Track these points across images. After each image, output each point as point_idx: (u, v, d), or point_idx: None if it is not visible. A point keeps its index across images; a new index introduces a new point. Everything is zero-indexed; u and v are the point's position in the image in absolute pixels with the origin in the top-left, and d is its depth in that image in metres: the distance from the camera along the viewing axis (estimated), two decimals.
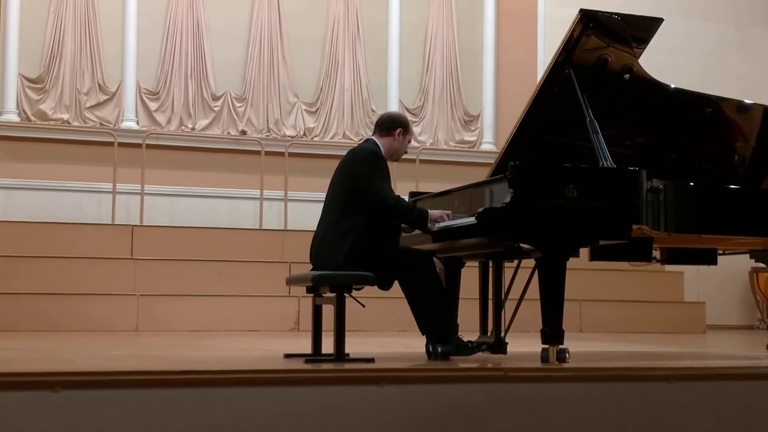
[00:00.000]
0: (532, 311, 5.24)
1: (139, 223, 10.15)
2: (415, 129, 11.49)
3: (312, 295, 5.33)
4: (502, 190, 4.97)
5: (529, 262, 5.31)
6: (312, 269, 5.23)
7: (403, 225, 5.34)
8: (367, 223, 5.08)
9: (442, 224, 5.20)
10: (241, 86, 11.24)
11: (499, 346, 5.58)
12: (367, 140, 5.40)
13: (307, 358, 5.05)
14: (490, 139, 11.87)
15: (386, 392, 4.04)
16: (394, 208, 5.08)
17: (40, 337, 7.46)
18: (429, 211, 5.21)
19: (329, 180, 5.35)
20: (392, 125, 5.33)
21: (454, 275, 5.83)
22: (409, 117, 11.24)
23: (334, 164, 5.43)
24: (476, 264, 5.95)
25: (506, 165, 4.96)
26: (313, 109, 11.45)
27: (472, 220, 4.94)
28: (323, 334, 5.27)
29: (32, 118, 10.59)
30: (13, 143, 10.43)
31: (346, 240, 5.06)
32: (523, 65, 11.93)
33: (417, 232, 5.43)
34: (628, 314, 10.13)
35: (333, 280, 5.00)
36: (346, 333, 4.98)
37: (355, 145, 5.67)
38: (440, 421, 4.09)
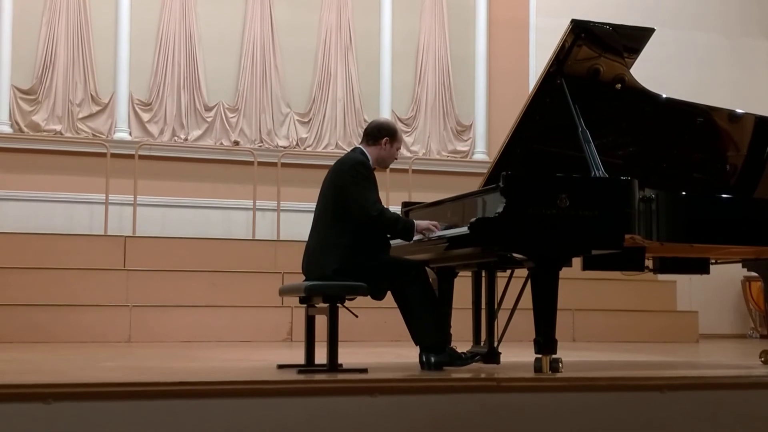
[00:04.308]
0: (525, 321, 5.25)
1: (131, 234, 10.13)
2: (408, 139, 11.51)
3: (305, 305, 5.33)
4: (494, 200, 4.98)
5: (521, 272, 5.31)
6: (304, 280, 5.23)
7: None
8: (358, 233, 5.08)
9: (434, 234, 5.19)
10: (233, 97, 11.24)
11: (492, 355, 5.58)
12: (355, 149, 5.39)
13: (300, 369, 5.04)
14: (482, 148, 11.89)
15: (379, 403, 4.04)
16: (377, 219, 5.05)
17: (33, 349, 7.44)
18: (415, 221, 5.20)
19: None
20: (378, 134, 5.31)
21: (447, 285, 5.83)
22: (402, 127, 11.30)
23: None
24: (469, 274, 5.96)
25: (499, 175, 4.96)
26: (306, 120, 11.46)
27: (464, 230, 4.94)
28: (316, 344, 5.26)
29: (25, 130, 10.57)
30: (6, 154, 10.40)
31: (337, 250, 5.06)
32: (515, 75, 11.96)
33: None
34: (621, 323, 10.13)
35: (326, 291, 4.99)
36: (339, 343, 4.98)
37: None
38: None
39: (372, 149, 5.30)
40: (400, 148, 5.46)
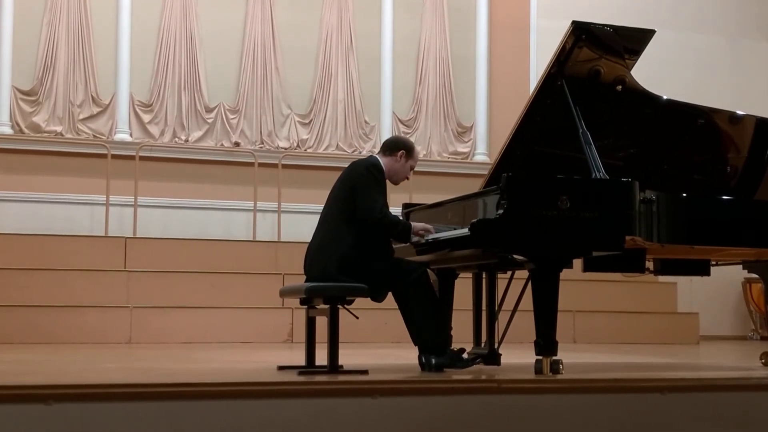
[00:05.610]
0: (525, 322, 5.25)
1: (132, 235, 10.13)
2: None
3: (305, 306, 5.33)
4: (495, 202, 4.98)
5: (522, 273, 5.31)
6: (306, 280, 5.23)
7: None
8: (362, 234, 5.10)
9: (434, 236, 5.21)
10: (234, 98, 11.24)
11: (492, 357, 5.58)
12: (371, 156, 5.47)
13: (301, 370, 5.04)
14: (483, 150, 11.89)
15: (380, 404, 4.04)
16: (381, 221, 5.11)
17: (33, 350, 7.44)
18: (411, 224, 5.27)
19: (322, 191, 5.37)
20: (395, 146, 5.40)
21: (448, 286, 5.84)
22: (403, 128, 11.31)
23: (328, 175, 5.45)
24: (470, 275, 5.96)
25: (499, 176, 4.97)
26: (307, 121, 11.46)
27: (465, 231, 4.95)
28: (317, 345, 5.27)
29: (25, 131, 10.58)
30: (6, 155, 10.41)
31: (339, 251, 5.08)
32: (515, 76, 11.96)
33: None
34: (621, 325, 10.13)
35: (326, 292, 5.00)
36: (340, 344, 4.98)
37: (352, 157, 5.68)
38: None
39: (387, 159, 5.36)
40: (414, 168, 5.50)
